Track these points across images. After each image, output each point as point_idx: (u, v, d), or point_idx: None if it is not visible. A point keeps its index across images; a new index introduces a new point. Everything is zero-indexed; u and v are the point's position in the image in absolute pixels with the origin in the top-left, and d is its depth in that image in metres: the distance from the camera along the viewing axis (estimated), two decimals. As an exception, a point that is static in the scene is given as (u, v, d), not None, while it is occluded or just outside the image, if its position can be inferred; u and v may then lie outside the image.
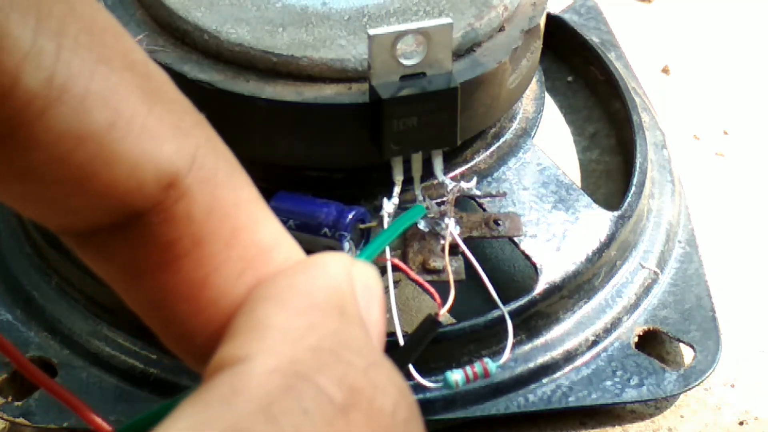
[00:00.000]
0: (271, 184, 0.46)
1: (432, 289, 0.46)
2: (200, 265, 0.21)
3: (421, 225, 0.46)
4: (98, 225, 0.21)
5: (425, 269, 0.46)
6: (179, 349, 0.22)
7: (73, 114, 0.19)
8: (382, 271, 0.44)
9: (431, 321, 0.46)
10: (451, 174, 0.50)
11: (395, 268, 0.45)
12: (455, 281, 0.46)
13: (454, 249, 0.47)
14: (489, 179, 0.52)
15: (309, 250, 0.22)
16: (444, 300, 0.45)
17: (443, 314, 0.46)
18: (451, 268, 0.46)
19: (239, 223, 0.21)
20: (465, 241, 0.47)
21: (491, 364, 0.44)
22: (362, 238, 0.46)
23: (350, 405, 0.19)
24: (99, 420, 0.23)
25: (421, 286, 0.46)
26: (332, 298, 0.21)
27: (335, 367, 0.19)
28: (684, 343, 0.51)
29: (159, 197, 0.20)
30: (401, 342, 0.43)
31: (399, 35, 0.43)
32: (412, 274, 0.46)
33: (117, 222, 0.21)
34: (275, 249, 0.22)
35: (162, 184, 0.20)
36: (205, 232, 0.21)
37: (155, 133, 0.20)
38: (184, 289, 0.21)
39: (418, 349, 0.37)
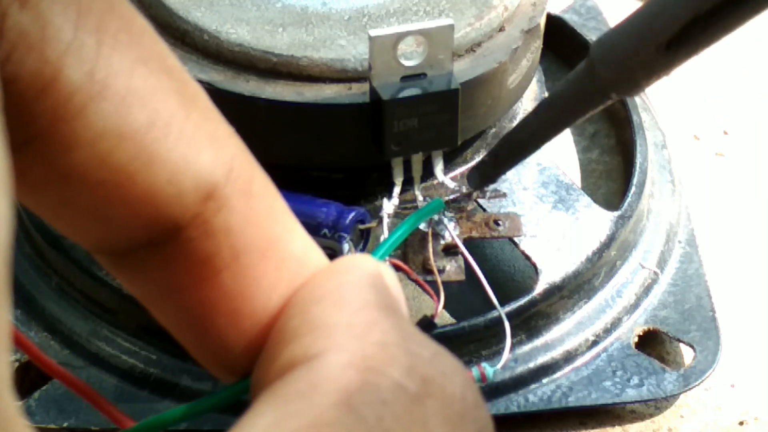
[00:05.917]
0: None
1: (431, 290, 0.46)
2: (238, 278, 0.21)
3: (422, 225, 0.46)
4: (136, 240, 0.20)
5: (425, 269, 0.47)
6: (212, 362, 0.22)
7: (114, 111, 0.18)
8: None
9: (427, 322, 0.46)
10: (451, 174, 0.50)
11: (396, 268, 0.45)
12: (456, 281, 0.46)
13: (454, 249, 0.47)
14: (489, 179, 0.52)
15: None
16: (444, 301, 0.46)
17: (437, 315, 0.46)
18: (451, 268, 0.46)
19: (274, 234, 0.21)
20: (465, 241, 0.47)
21: (489, 369, 0.44)
22: (362, 239, 0.46)
23: (424, 394, 0.19)
24: (118, 413, 0.23)
25: (421, 286, 0.46)
26: (381, 296, 0.21)
27: (404, 359, 0.20)
28: (684, 343, 0.51)
29: (198, 209, 0.20)
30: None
31: (400, 36, 0.43)
32: (413, 275, 0.46)
33: (155, 238, 0.20)
34: (306, 258, 0.22)
35: (201, 195, 0.20)
36: (242, 244, 0.21)
37: (193, 139, 0.20)
38: (222, 303, 0.21)
39: None
